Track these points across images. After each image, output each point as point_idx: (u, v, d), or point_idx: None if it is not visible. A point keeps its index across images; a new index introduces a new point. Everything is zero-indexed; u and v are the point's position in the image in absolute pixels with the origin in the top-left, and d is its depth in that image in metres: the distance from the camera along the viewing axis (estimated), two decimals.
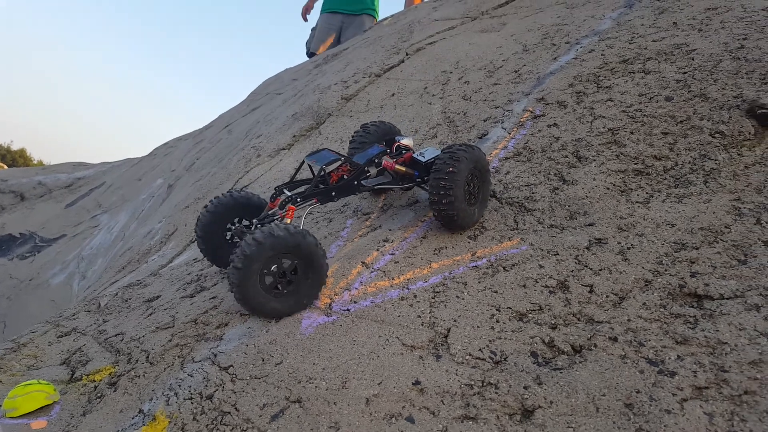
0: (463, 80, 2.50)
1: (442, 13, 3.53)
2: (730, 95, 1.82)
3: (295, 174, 1.76)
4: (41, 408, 1.33)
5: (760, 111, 1.76)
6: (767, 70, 1.87)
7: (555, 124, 1.95)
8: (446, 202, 1.54)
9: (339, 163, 1.66)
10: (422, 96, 2.55)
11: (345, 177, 1.64)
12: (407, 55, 3.02)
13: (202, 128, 5.60)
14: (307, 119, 2.84)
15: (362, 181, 1.65)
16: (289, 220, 1.49)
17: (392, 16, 4.75)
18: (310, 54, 5.72)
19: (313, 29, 5.83)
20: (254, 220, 1.64)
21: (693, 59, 2.01)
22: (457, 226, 1.61)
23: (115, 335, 1.62)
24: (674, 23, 2.26)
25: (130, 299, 1.87)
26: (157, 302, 1.77)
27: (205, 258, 1.75)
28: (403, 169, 1.70)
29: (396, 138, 1.85)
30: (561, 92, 2.09)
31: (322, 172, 1.62)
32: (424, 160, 1.69)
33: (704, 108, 1.82)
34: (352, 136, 1.94)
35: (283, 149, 2.71)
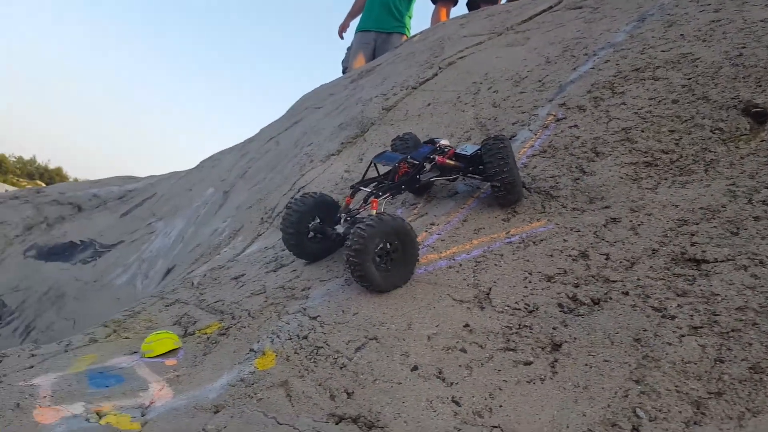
0: (492, 90, 2.83)
1: (469, 30, 3.88)
2: (729, 97, 2.11)
3: (365, 174, 2.06)
4: (170, 351, 1.69)
5: (754, 110, 2.06)
6: (761, 74, 2.16)
7: (575, 125, 2.27)
8: (508, 179, 1.90)
9: (400, 161, 1.99)
10: (455, 105, 2.89)
11: (408, 173, 1.98)
12: (440, 68, 3.37)
13: (245, 141, 6.01)
14: (352, 128, 3.19)
15: (420, 176, 2.01)
16: (374, 211, 1.78)
17: (421, 32, 5.11)
18: (345, 70, 6.14)
19: (348, 48, 6.25)
20: (341, 214, 1.95)
21: (697, 66, 2.31)
22: (517, 193, 1.97)
23: (215, 302, 1.98)
24: (681, 35, 2.56)
25: (218, 278, 2.23)
26: (243, 278, 2.13)
27: (290, 251, 2.02)
28: (452, 162, 2.05)
29: (435, 139, 2.20)
30: (580, 98, 2.41)
31: (408, 168, 2.00)
32: (468, 153, 2.04)
33: (706, 108, 2.12)
34: (391, 146, 2.33)
35: (333, 155, 3.07)
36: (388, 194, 1.90)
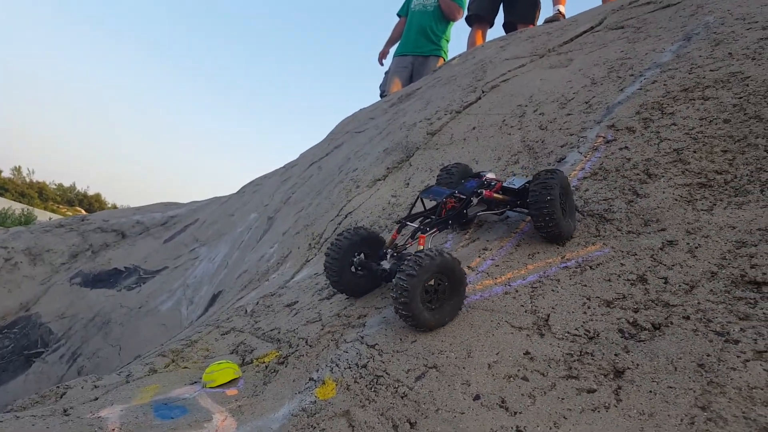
0: (537, 112, 2.84)
1: (510, 53, 3.90)
2: None
3: (412, 208, 2.08)
4: (231, 381, 1.72)
5: None
6: None
7: (626, 147, 2.26)
8: (552, 225, 1.87)
9: (447, 196, 2.01)
10: (501, 128, 2.90)
11: (455, 207, 2.00)
12: (483, 92, 3.39)
13: (285, 166, 6.12)
14: (397, 153, 3.23)
15: (467, 211, 2.02)
16: (422, 247, 1.79)
17: (459, 56, 5.16)
18: (383, 94, 6.23)
19: (386, 73, 6.36)
20: (387, 249, 1.96)
21: (747, 85, 2.28)
22: (564, 237, 1.93)
23: (271, 330, 2.02)
24: (729, 53, 2.53)
25: (271, 305, 2.28)
26: (297, 305, 2.16)
27: (330, 283, 1.99)
28: (500, 196, 2.05)
29: (481, 173, 2.21)
30: (629, 119, 2.40)
31: (454, 203, 2.01)
32: (516, 187, 2.03)
33: (759, 128, 2.08)
34: (437, 178, 2.32)
35: (379, 180, 3.11)
36: (434, 229, 1.91)
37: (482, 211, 2.07)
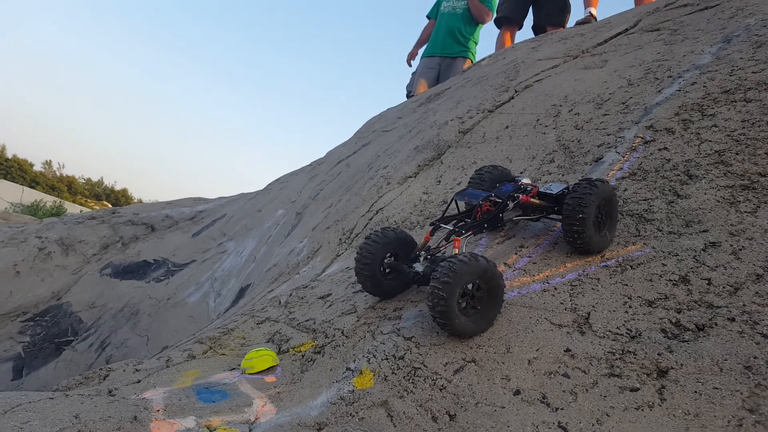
0: (573, 112, 2.82)
1: (543, 53, 3.88)
2: None
3: (446, 210, 2.03)
4: (269, 368, 1.74)
5: None
6: None
7: (665, 148, 2.23)
8: (580, 243, 1.83)
9: (483, 198, 1.96)
10: (535, 127, 2.89)
11: (490, 211, 1.95)
12: (516, 92, 3.37)
13: (312, 164, 6.15)
14: (429, 151, 3.23)
15: (503, 215, 1.98)
16: (456, 250, 1.74)
17: (489, 56, 5.14)
18: (410, 95, 6.25)
19: (413, 73, 6.38)
20: (420, 252, 1.90)
21: None
22: (593, 253, 1.88)
23: (306, 320, 2.03)
24: None
25: (304, 297, 2.29)
26: (331, 297, 2.17)
27: (361, 283, 1.94)
28: (537, 201, 2.01)
29: (516, 177, 2.17)
30: (668, 120, 2.37)
31: (488, 206, 1.96)
32: (554, 192, 1.99)
33: None
34: (469, 181, 2.26)
35: (410, 177, 3.11)
36: (470, 232, 1.86)
37: (518, 216, 2.05)
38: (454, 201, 2.04)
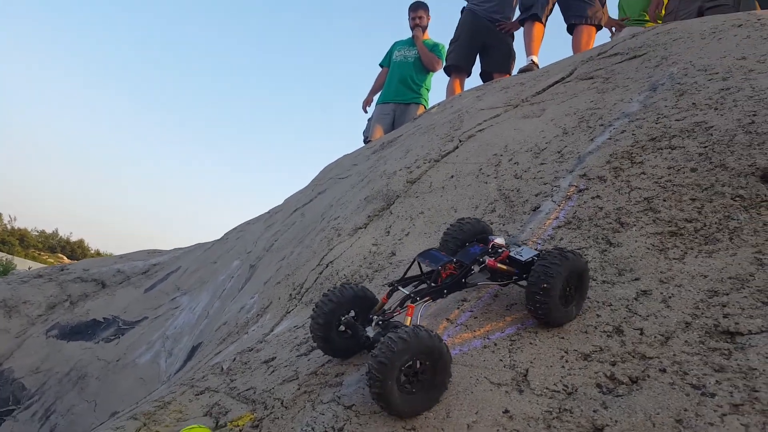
0: (512, 161, 2.90)
1: (486, 103, 4.00)
2: (746, 164, 2.14)
3: (406, 271, 1.93)
4: None
5: None
6: None
7: (598, 196, 2.31)
8: (541, 314, 1.76)
9: (445, 263, 1.84)
10: (478, 176, 2.95)
11: (453, 275, 1.84)
12: (460, 141, 3.46)
13: (269, 211, 6.12)
14: (378, 201, 3.26)
15: (467, 280, 1.86)
16: (410, 318, 1.66)
17: (439, 104, 5.28)
18: (366, 140, 6.40)
19: (369, 119, 6.57)
20: (374, 316, 1.81)
21: (711, 135, 2.36)
22: (555, 326, 1.80)
23: (246, 390, 1.99)
24: (693, 104, 2.62)
25: (248, 362, 2.25)
26: (275, 362, 2.14)
27: (315, 342, 1.86)
28: (505, 267, 1.89)
29: (489, 237, 2.04)
30: (600, 168, 2.46)
31: (461, 270, 1.84)
32: (522, 259, 1.87)
33: (725, 176, 2.14)
34: (446, 230, 2.11)
35: (360, 228, 3.12)
36: (427, 298, 1.77)
37: (483, 282, 1.90)
38: (417, 262, 1.92)
